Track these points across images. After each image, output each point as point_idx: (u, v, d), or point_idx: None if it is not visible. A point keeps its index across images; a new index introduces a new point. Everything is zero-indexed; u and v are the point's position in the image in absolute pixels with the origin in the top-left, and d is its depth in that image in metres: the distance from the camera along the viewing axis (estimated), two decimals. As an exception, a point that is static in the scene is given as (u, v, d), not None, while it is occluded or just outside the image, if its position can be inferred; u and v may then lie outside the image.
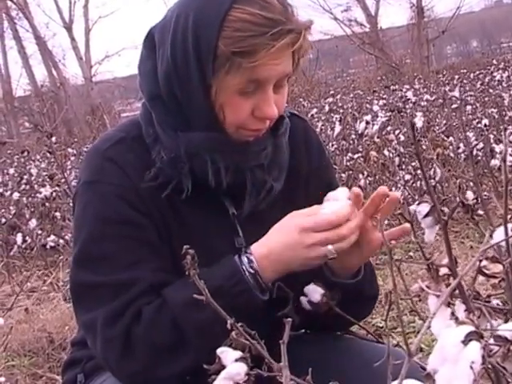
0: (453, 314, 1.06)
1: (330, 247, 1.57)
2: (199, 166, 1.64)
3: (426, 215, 1.20)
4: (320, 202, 1.84)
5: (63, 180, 6.78)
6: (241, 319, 1.13)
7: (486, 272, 1.20)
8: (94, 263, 1.66)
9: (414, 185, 6.09)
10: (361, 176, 6.38)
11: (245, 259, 1.61)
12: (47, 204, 7.48)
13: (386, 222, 5.88)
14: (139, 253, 1.65)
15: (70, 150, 12.44)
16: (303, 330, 1.86)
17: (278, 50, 1.55)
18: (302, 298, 1.66)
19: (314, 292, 1.66)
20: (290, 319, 1.27)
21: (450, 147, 6.64)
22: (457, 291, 1.08)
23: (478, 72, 16.22)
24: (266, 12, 1.55)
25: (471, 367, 0.88)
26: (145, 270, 1.63)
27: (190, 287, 1.51)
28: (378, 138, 6.85)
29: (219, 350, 1.15)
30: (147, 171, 1.66)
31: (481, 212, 1.68)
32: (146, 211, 1.67)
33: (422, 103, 10.23)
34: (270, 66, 1.57)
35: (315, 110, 11.08)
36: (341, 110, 10.93)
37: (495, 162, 5.86)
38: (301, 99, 16.93)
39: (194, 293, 1.56)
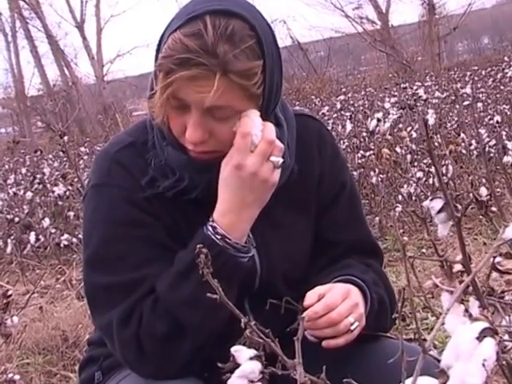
0: (467, 310, 1.07)
1: (272, 158, 1.59)
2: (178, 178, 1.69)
3: (440, 211, 1.19)
4: (331, 203, 1.84)
5: (76, 179, 6.79)
6: (230, 286, 1.14)
7: (500, 268, 1.20)
8: (105, 265, 1.69)
9: (426, 182, 6.09)
10: (372, 173, 6.38)
11: (209, 228, 1.63)
12: (60, 203, 7.51)
13: (398, 219, 5.89)
14: (148, 253, 1.67)
15: (82, 149, 12.47)
16: None
17: (186, 77, 1.53)
18: (306, 333, 1.64)
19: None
20: (303, 316, 1.28)
21: (462, 144, 6.63)
22: (471, 288, 1.08)
23: (489, 69, 16.15)
24: (190, 39, 1.53)
25: (484, 364, 0.88)
26: (154, 270, 1.65)
27: (172, 272, 1.57)
28: (389, 135, 6.84)
29: (233, 349, 1.16)
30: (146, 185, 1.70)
31: (494, 208, 1.68)
32: (154, 212, 1.69)
33: (434, 100, 10.20)
34: (186, 90, 1.56)
35: (326, 108, 11.07)
36: (352, 108, 10.92)
37: (508, 159, 5.85)
38: (312, 97, 16.91)
39: (175, 276, 1.60)
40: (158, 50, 1.61)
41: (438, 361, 1.09)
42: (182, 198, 1.70)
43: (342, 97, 14.86)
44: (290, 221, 1.82)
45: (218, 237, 1.62)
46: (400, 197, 6.05)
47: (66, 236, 6.61)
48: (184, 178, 1.67)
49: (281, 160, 1.61)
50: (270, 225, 1.77)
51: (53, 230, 6.94)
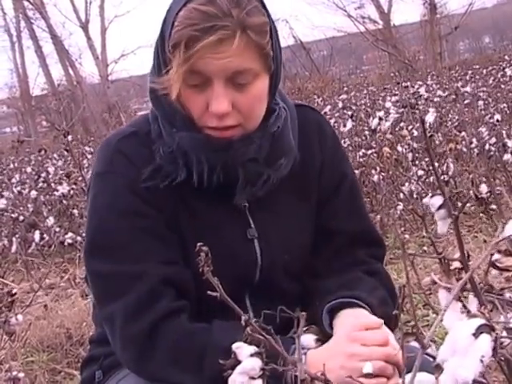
0: (465, 307, 1.08)
1: (368, 363, 1.51)
2: (191, 163, 1.68)
3: (440, 207, 1.21)
4: (332, 193, 1.84)
5: (80, 178, 6.81)
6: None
7: (499, 265, 1.20)
8: (105, 252, 1.69)
9: (427, 180, 6.11)
10: (374, 172, 6.39)
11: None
12: (64, 202, 7.52)
13: (399, 217, 5.90)
14: (150, 244, 1.67)
15: (86, 148, 12.47)
16: None
17: (212, 43, 1.55)
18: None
19: (309, 340, 1.62)
20: (304, 313, 1.29)
21: (463, 142, 6.65)
22: (469, 285, 1.09)
23: (490, 68, 16.15)
24: (206, 6, 1.56)
25: (481, 360, 0.90)
26: (156, 262, 1.66)
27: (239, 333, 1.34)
28: (391, 133, 6.86)
29: (235, 346, 1.17)
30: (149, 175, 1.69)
31: (494, 206, 1.70)
32: (156, 203, 1.69)
33: (435, 99, 10.21)
34: (208, 60, 1.57)
35: (329, 107, 11.07)
36: (354, 107, 10.92)
37: (508, 157, 5.87)
38: (314, 96, 16.89)
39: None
40: (163, 29, 1.63)
41: (434, 358, 1.11)
42: (187, 190, 1.70)
43: (344, 96, 14.88)
44: (291, 211, 1.82)
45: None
46: (401, 195, 6.06)
47: (70, 234, 6.60)
48: (201, 161, 1.66)
49: (369, 371, 1.51)
50: (271, 216, 1.78)
51: (57, 229, 6.94)
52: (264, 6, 1.64)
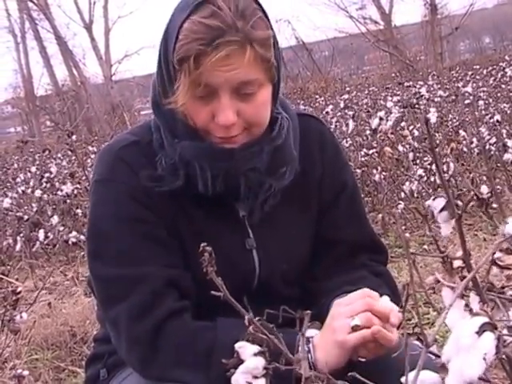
0: (467, 305, 1.08)
1: (356, 317, 1.55)
2: (193, 173, 1.69)
3: (442, 210, 1.19)
4: (333, 202, 1.86)
5: (84, 177, 6.84)
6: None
7: (500, 263, 1.20)
8: (108, 257, 1.71)
9: (428, 179, 6.13)
10: (375, 171, 6.41)
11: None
12: (68, 201, 7.53)
13: (401, 216, 5.92)
14: (152, 249, 1.69)
15: (90, 147, 12.44)
16: None
17: (220, 59, 1.56)
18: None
19: (312, 334, 1.61)
20: (308, 311, 1.31)
21: (464, 142, 6.67)
22: (471, 283, 1.09)
23: (490, 68, 16.13)
24: (210, 19, 1.57)
25: (484, 358, 0.91)
26: (159, 265, 1.68)
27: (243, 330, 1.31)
28: (392, 133, 6.88)
29: (238, 345, 1.18)
30: (149, 178, 1.71)
31: (494, 205, 1.71)
32: (157, 210, 1.71)
33: (436, 99, 10.22)
34: (216, 73, 1.58)
35: (331, 107, 11.07)
36: (355, 107, 10.92)
37: (508, 156, 5.89)
38: (316, 96, 16.88)
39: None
40: (167, 41, 1.64)
41: (436, 355, 1.13)
42: (187, 200, 1.72)
43: (345, 96, 14.85)
44: (291, 222, 1.83)
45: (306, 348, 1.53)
46: (402, 194, 6.09)
47: (73, 233, 6.61)
48: (204, 169, 1.67)
49: (357, 323, 1.55)
50: (271, 226, 1.79)
51: (61, 228, 6.96)
52: (266, 16, 1.65)
